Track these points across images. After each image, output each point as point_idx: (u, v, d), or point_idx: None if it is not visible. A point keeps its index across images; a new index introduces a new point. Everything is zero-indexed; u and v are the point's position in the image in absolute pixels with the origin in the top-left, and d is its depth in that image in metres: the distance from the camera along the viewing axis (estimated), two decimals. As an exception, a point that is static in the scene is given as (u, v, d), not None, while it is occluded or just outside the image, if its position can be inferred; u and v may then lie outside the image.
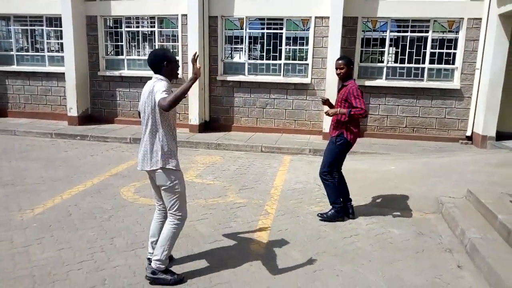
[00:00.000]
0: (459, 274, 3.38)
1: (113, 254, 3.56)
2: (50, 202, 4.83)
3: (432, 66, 8.69)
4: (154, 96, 2.87)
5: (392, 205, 4.99)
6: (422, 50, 8.70)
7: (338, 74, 4.41)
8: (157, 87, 2.88)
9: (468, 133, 8.54)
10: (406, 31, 8.76)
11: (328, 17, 8.53)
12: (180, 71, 9.30)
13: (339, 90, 4.53)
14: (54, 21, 10.11)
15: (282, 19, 9.04)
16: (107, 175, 6.07)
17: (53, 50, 10.51)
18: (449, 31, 8.63)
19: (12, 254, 3.49)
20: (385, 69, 8.88)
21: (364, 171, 6.41)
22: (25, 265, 3.32)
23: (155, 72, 3.04)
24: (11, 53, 10.59)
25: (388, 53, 8.89)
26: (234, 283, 3.14)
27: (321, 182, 4.60)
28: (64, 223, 4.20)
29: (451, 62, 8.64)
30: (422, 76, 8.77)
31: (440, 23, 8.57)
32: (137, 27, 9.89)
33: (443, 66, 8.67)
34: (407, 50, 8.78)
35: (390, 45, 8.86)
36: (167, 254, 3.07)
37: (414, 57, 8.80)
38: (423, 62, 8.72)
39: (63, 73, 9.86)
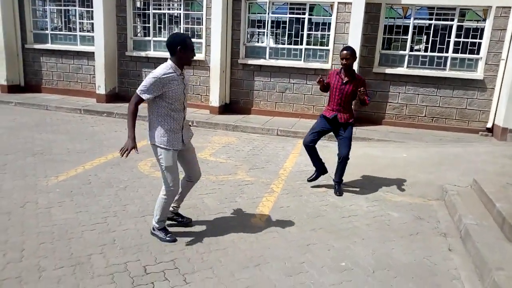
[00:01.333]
0: (448, 257, 3.50)
1: (125, 219, 3.90)
2: (73, 171, 5.23)
3: (455, 55, 8.54)
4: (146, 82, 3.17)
5: (397, 190, 5.10)
6: (446, 39, 8.55)
7: (344, 64, 4.58)
8: (147, 77, 3.18)
9: (489, 125, 8.39)
10: (431, 19, 8.62)
11: (351, 3, 8.50)
12: (203, 54, 9.58)
13: (345, 83, 4.67)
14: (86, 1, 10.52)
15: (305, 4, 9.07)
16: (128, 149, 6.43)
17: (85, 30, 10.98)
18: (475, 20, 8.43)
19: (36, 214, 3.89)
20: (406, 57, 8.79)
21: (375, 157, 6.51)
22: (47, 223, 3.71)
23: (170, 54, 3.27)
24: (46, 32, 11.14)
25: (412, 41, 8.78)
26: (230, 249, 3.41)
27: (343, 165, 4.87)
28: (84, 190, 4.58)
29: (475, 52, 8.46)
30: (445, 65, 8.63)
31: (475, 11, 8.33)
32: (164, 9, 10.16)
33: (467, 55, 8.50)
34: (431, 38, 8.65)
35: (414, 33, 8.74)
36: (159, 219, 3.47)
37: (437, 46, 8.67)
38: (447, 51, 8.57)
39: (93, 52, 10.29)
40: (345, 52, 4.55)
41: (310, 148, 4.93)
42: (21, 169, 5.19)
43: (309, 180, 5.07)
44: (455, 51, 8.53)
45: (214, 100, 9.45)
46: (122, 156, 3.22)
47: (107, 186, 4.74)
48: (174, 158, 3.36)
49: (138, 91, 3.17)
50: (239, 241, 3.57)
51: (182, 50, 3.21)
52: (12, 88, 11.10)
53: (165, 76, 3.18)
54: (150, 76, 3.16)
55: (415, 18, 8.64)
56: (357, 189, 5.08)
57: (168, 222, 3.67)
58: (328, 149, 6.65)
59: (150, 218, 3.92)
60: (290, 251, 3.44)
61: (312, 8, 9.09)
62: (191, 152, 3.62)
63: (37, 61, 11.24)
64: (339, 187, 4.92)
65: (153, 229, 3.54)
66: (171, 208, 3.71)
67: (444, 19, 8.56)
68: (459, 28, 8.44)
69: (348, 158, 4.83)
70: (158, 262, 3.16)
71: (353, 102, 4.97)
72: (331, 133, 5.05)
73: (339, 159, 4.86)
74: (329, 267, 3.22)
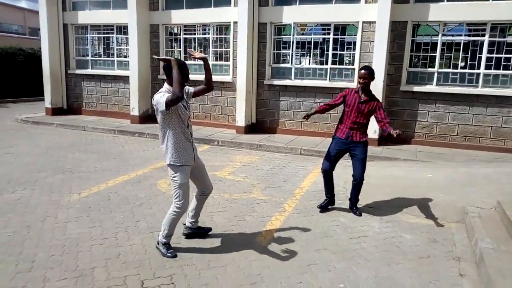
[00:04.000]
0: (457, 282, 3.31)
1: (134, 234, 4.03)
2: (96, 188, 5.50)
3: (488, 71, 8.20)
4: (157, 106, 3.35)
5: (414, 211, 4.90)
6: (478, 55, 8.24)
7: (361, 83, 4.57)
8: (156, 98, 3.36)
9: (527, 144, 7.91)
10: (460, 35, 8.38)
11: (375, 22, 8.45)
12: (230, 76, 9.82)
13: (362, 102, 4.61)
14: (123, 29, 11.21)
15: (329, 24, 9.13)
16: (151, 168, 6.68)
17: (121, 55, 11.65)
18: (508, 35, 8.08)
19: (53, 228, 4.12)
20: (436, 74, 8.55)
21: (397, 177, 6.32)
22: (61, 237, 3.92)
23: (166, 77, 3.47)
24: (87, 58, 11.95)
25: (441, 58, 8.54)
26: (229, 267, 3.43)
27: (358, 185, 4.79)
28: (102, 206, 4.80)
29: (510, 67, 8.07)
30: (477, 82, 8.30)
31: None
32: (194, 34, 10.59)
33: (501, 71, 8.13)
34: (461, 54, 8.38)
35: (442, 50, 8.50)
36: (167, 234, 3.60)
37: (468, 62, 8.37)
38: (479, 67, 8.25)
39: (128, 76, 10.89)
40: (363, 71, 4.56)
41: (328, 174, 4.85)
42: (49, 186, 5.53)
43: (319, 207, 4.92)
44: (488, 67, 8.19)
45: (240, 120, 9.61)
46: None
47: (124, 203, 4.94)
48: (187, 175, 3.52)
49: (164, 98, 3.29)
50: (239, 259, 3.58)
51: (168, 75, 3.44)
52: (56, 111, 11.92)
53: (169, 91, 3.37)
54: (158, 95, 3.36)
55: (443, 35, 8.43)
56: (372, 210, 4.94)
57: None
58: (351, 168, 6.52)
59: (158, 234, 4.04)
60: (289, 271, 3.40)
61: (337, 28, 9.12)
62: (201, 167, 3.78)
63: (78, 85, 12.03)
64: (356, 208, 4.84)
65: (158, 243, 3.67)
66: (189, 224, 3.91)
67: (474, 35, 8.28)
68: (491, 43, 8.12)
69: (363, 179, 4.75)
70: (156, 277, 3.23)
71: (368, 123, 4.82)
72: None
73: (354, 180, 4.78)
74: (326, 288, 3.15)
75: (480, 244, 3.74)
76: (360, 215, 4.75)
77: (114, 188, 5.54)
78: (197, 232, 3.98)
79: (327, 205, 4.94)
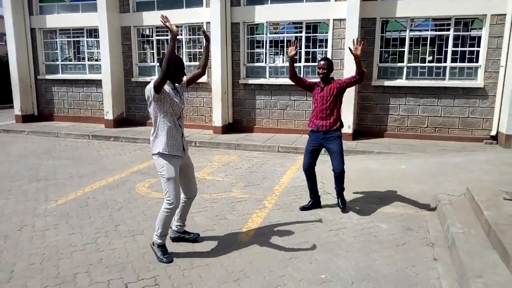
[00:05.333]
0: (432, 266, 3.47)
1: (114, 238, 4.01)
2: (73, 194, 5.42)
3: (454, 64, 8.53)
4: (149, 94, 3.35)
5: (390, 202, 5.07)
6: (444, 49, 8.56)
7: (320, 74, 4.57)
8: (147, 86, 3.37)
9: (493, 133, 8.28)
10: (427, 30, 8.69)
11: (345, 19, 8.64)
12: (205, 76, 9.82)
13: (322, 88, 4.58)
14: (94, 32, 11.01)
15: (301, 23, 9.27)
16: (129, 172, 6.62)
17: (93, 59, 11.45)
18: (471, 29, 8.44)
19: (31, 236, 4.05)
20: (405, 69, 8.83)
21: (372, 170, 6.50)
22: (40, 245, 3.85)
23: None
24: (57, 62, 11.68)
25: (409, 53, 8.82)
26: (212, 265, 3.47)
27: (340, 178, 4.70)
28: (80, 212, 4.74)
29: (474, 60, 8.43)
30: (444, 75, 8.63)
31: (480, 19, 8.28)
32: (167, 35, 10.53)
33: (466, 64, 8.49)
34: (428, 49, 8.68)
35: (410, 45, 8.78)
36: (161, 233, 3.52)
37: (435, 56, 8.69)
38: (445, 61, 8.57)
39: (101, 80, 10.71)
40: (322, 62, 4.54)
41: (310, 173, 4.83)
42: (24, 194, 5.41)
43: (302, 209, 4.84)
44: (454, 60, 8.53)
45: (217, 120, 9.63)
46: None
47: (102, 208, 4.89)
48: (175, 170, 3.44)
49: (151, 84, 3.32)
50: (222, 257, 3.62)
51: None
52: (26, 118, 11.61)
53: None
54: (151, 82, 3.36)
55: (411, 30, 8.71)
56: (350, 202, 5.07)
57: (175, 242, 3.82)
58: (328, 163, 6.66)
59: (139, 237, 4.04)
60: (272, 265, 3.47)
61: (308, 26, 9.27)
62: (189, 166, 3.73)
63: (49, 90, 11.75)
64: (342, 198, 4.79)
65: (153, 244, 3.60)
66: (175, 228, 3.85)
67: (440, 30, 8.60)
68: (456, 37, 8.46)
69: (343, 172, 4.67)
70: (140, 279, 3.24)
71: (338, 109, 4.68)
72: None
73: (335, 174, 4.71)
74: (308, 279, 3.23)
75: (451, 230, 3.92)
76: (344, 207, 4.72)
77: (92, 193, 5.48)
78: (184, 237, 3.90)
79: (311, 207, 4.87)
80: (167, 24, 3.25)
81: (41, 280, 3.22)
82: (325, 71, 4.53)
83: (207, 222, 4.46)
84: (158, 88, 3.25)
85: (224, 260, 3.57)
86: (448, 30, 8.46)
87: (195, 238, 3.93)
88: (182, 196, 3.75)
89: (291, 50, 4.51)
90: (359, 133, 9.06)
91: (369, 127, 9.12)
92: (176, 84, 3.56)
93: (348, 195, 5.33)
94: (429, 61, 8.81)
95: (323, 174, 6.33)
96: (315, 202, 4.92)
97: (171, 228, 3.86)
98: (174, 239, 3.88)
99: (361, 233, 4.16)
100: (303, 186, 5.77)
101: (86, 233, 4.15)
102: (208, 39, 3.75)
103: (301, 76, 9.21)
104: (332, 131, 4.65)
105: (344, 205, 4.78)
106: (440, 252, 3.72)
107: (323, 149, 4.83)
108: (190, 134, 9.58)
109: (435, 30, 8.66)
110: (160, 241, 3.55)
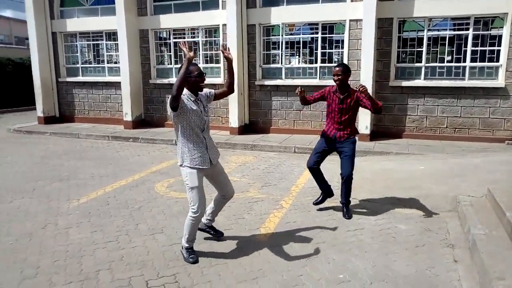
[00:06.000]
0: (452, 268, 3.43)
1: (135, 237, 4.10)
2: (94, 194, 5.55)
3: (474, 64, 8.39)
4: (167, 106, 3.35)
5: (408, 203, 5.03)
6: (463, 48, 8.43)
7: (336, 80, 4.47)
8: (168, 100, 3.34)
9: (515, 133, 8.11)
10: (445, 30, 8.57)
11: (361, 20, 8.59)
12: (221, 78, 9.89)
13: (341, 100, 4.53)
14: (113, 35, 11.23)
15: (317, 24, 9.26)
16: (148, 172, 6.74)
17: (112, 62, 11.67)
18: (492, 28, 8.29)
19: (54, 234, 4.17)
20: (423, 69, 8.72)
21: (391, 171, 6.44)
22: (63, 242, 3.97)
23: None
24: (77, 65, 11.95)
25: (427, 53, 8.72)
26: (231, 263, 3.51)
27: (347, 184, 4.65)
28: (101, 211, 4.85)
29: (494, 59, 8.27)
30: (464, 75, 8.49)
31: (502, 18, 8.10)
32: (184, 37, 10.66)
33: (486, 64, 8.33)
34: (446, 48, 8.56)
35: (429, 44, 8.68)
36: (188, 238, 3.55)
37: (454, 56, 8.56)
38: (464, 61, 8.44)
39: (120, 82, 10.91)
40: (337, 68, 4.44)
41: (314, 170, 4.79)
42: (47, 194, 5.57)
43: (315, 203, 4.90)
44: (473, 60, 8.38)
45: (234, 121, 9.70)
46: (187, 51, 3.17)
47: (123, 207, 4.99)
48: (199, 179, 3.41)
49: (169, 107, 3.28)
50: (240, 256, 3.66)
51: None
52: (48, 119, 11.90)
53: (182, 94, 3.33)
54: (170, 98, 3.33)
55: (429, 30, 8.61)
56: (368, 203, 5.06)
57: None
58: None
59: (159, 235, 4.12)
60: (290, 265, 3.49)
61: (324, 27, 9.25)
62: (221, 172, 3.71)
63: (70, 93, 12.03)
64: (347, 209, 4.69)
65: (182, 247, 3.64)
66: (205, 221, 3.91)
67: (459, 29, 8.47)
68: (476, 37, 8.32)
69: (351, 178, 4.60)
70: (160, 276, 3.31)
71: (355, 118, 4.78)
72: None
73: (342, 179, 4.62)
74: (326, 279, 3.24)
75: (472, 231, 3.87)
76: (350, 217, 4.60)
77: (112, 193, 5.59)
78: (209, 231, 3.98)
79: (324, 199, 4.87)
80: (184, 48, 3.21)
81: (65, 276, 3.31)
82: (340, 77, 4.42)
83: (225, 221, 4.51)
84: (172, 106, 3.24)
85: (242, 259, 3.61)
86: (467, 29, 8.32)
87: (219, 237, 3.99)
88: (219, 194, 3.79)
89: (300, 92, 4.50)
90: (377, 134, 8.99)
91: (387, 128, 9.04)
92: (201, 95, 3.52)
93: (366, 196, 5.33)
94: (448, 61, 8.69)
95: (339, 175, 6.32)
96: (326, 192, 4.88)
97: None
98: (199, 229, 3.87)
99: (379, 234, 4.14)
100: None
101: (108, 231, 4.25)
102: (228, 60, 3.64)
103: (317, 76, 9.30)
104: (349, 141, 4.63)
105: (350, 217, 4.63)
106: (460, 253, 3.68)
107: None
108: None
109: (454, 30, 8.54)
110: (187, 245, 3.59)
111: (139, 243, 3.94)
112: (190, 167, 3.41)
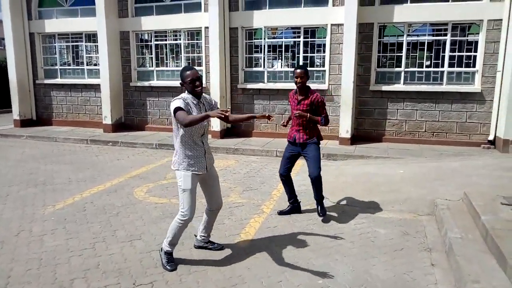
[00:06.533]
0: (429, 271, 3.47)
1: (112, 243, 4.01)
2: (71, 199, 5.41)
3: (451, 69, 8.57)
4: (171, 110, 3.27)
5: (388, 207, 5.08)
6: (441, 54, 8.61)
7: (297, 83, 4.49)
8: (172, 105, 3.27)
9: (491, 137, 8.30)
10: (424, 35, 8.74)
11: (343, 24, 8.68)
12: (204, 81, 9.83)
13: (299, 101, 4.57)
14: (93, 37, 11.04)
15: (299, 28, 9.31)
16: (127, 176, 6.62)
17: (92, 64, 11.46)
18: (468, 34, 8.49)
19: (28, 242, 4.04)
20: (403, 74, 8.86)
21: (370, 175, 6.50)
22: (37, 250, 3.85)
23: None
24: (56, 67, 11.70)
25: (407, 57, 8.86)
26: (210, 270, 3.46)
27: (316, 184, 4.64)
28: (77, 217, 4.73)
29: (471, 65, 8.47)
30: (442, 80, 8.66)
31: (478, 24, 8.30)
32: (165, 40, 10.56)
33: (463, 69, 8.52)
34: (425, 53, 8.73)
35: (408, 49, 8.83)
36: (170, 242, 3.48)
37: (432, 61, 8.73)
38: (442, 66, 8.61)
39: (99, 85, 10.72)
40: (298, 71, 4.47)
41: (286, 178, 4.82)
42: (22, 199, 5.41)
43: (280, 213, 4.84)
44: (451, 65, 8.57)
45: (215, 125, 9.64)
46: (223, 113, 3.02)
47: (100, 213, 4.89)
48: (193, 183, 3.37)
49: (178, 111, 3.18)
50: (220, 262, 3.62)
51: (183, 84, 3.38)
52: (25, 122, 11.61)
53: (185, 98, 3.32)
54: (174, 103, 3.26)
55: (408, 35, 8.76)
56: (348, 207, 5.09)
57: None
58: (326, 168, 6.66)
59: (137, 242, 4.04)
60: (270, 270, 3.47)
61: (306, 31, 9.31)
62: (214, 178, 3.63)
63: (47, 95, 11.76)
64: (321, 206, 4.68)
65: (161, 250, 3.58)
66: (200, 238, 3.85)
67: (437, 35, 8.65)
68: (453, 42, 8.50)
69: (319, 177, 4.58)
70: (137, 284, 3.23)
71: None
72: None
73: (311, 180, 4.63)
74: (305, 285, 3.23)
75: (449, 234, 3.93)
76: (324, 215, 4.64)
77: (90, 198, 5.47)
78: (207, 246, 3.87)
79: (291, 212, 4.84)
80: (210, 113, 3.06)
81: (38, 285, 3.21)
82: (301, 80, 4.47)
83: (205, 227, 4.45)
84: (186, 126, 3.17)
85: (222, 266, 3.57)
86: (446, 35, 8.50)
87: (220, 249, 3.86)
88: (207, 207, 3.71)
89: (285, 124, 4.78)
90: (357, 138, 9.08)
91: (367, 132, 9.15)
92: (205, 99, 3.48)
93: (346, 200, 5.36)
94: (426, 66, 8.85)
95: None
96: (293, 207, 4.89)
97: (195, 236, 3.86)
98: (198, 247, 3.85)
99: (359, 238, 4.17)
100: (301, 191, 5.77)
101: (84, 238, 4.14)
102: (267, 117, 3.59)
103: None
104: (310, 143, 4.63)
105: (324, 214, 4.67)
106: (437, 257, 3.73)
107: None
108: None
109: (433, 35, 8.71)
110: (168, 248, 3.52)
111: (116, 250, 3.85)
112: (185, 171, 3.36)
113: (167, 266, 3.48)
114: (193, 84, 3.32)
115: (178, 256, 3.71)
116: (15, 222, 4.56)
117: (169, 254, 3.54)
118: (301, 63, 9.40)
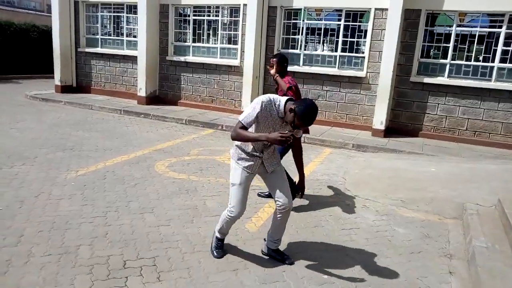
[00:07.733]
0: (445, 279, 3.23)
1: (124, 214, 4.03)
2: (93, 166, 5.52)
3: (503, 65, 7.91)
4: (249, 106, 2.97)
5: (412, 205, 4.80)
6: (493, 47, 7.95)
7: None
8: (252, 103, 2.94)
9: (539, 142, 7.66)
10: (476, 26, 8.09)
11: (387, 9, 8.19)
12: (238, 60, 9.70)
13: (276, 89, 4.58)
14: (133, 8, 11.11)
15: (341, 10, 8.90)
16: (152, 149, 6.67)
17: (131, 35, 11.58)
18: (526, 27, 7.77)
19: (45, 204, 4.15)
20: (448, 66, 8.29)
21: (399, 170, 6.19)
22: (51, 213, 3.93)
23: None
24: (97, 36, 11.93)
25: (454, 49, 8.27)
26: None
27: None
28: (96, 185, 4.81)
29: (526, 61, 7.78)
30: (490, 75, 8.03)
31: None
32: (204, 15, 10.44)
33: (516, 65, 7.84)
34: (475, 46, 8.10)
35: (456, 41, 8.22)
36: (220, 230, 3.34)
37: (482, 55, 8.10)
38: (493, 61, 7.97)
39: (137, 57, 10.83)
40: (271, 59, 4.55)
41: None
42: (48, 162, 5.57)
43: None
44: (503, 60, 7.90)
45: (246, 104, 9.51)
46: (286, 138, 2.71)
47: (119, 183, 4.94)
48: (242, 178, 3.10)
49: (242, 117, 2.92)
50: (225, 245, 3.54)
51: (290, 109, 2.81)
52: (65, 88, 11.99)
53: (273, 101, 2.91)
54: (251, 106, 2.94)
55: (458, 26, 8.14)
56: (369, 201, 4.86)
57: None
58: (354, 159, 6.43)
59: (148, 215, 4.04)
60: (274, 259, 3.35)
61: (348, 14, 8.88)
62: (277, 176, 3.22)
63: (88, 63, 12.05)
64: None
65: (214, 232, 3.44)
66: (266, 242, 3.44)
67: (491, 26, 7.98)
68: (508, 36, 7.81)
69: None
70: (139, 258, 3.22)
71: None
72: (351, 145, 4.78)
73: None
74: (309, 278, 3.10)
75: (474, 242, 3.64)
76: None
77: (112, 167, 5.55)
78: (275, 256, 3.38)
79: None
80: (270, 136, 2.72)
81: (45, 247, 3.27)
82: (272, 68, 4.47)
83: (218, 207, 4.40)
84: (232, 139, 2.95)
85: (227, 248, 3.49)
86: (501, 27, 7.82)
87: (290, 264, 3.30)
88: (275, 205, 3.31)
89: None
90: (391, 130, 8.67)
91: (403, 125, 8.71)
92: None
93: (369, 193, 5.12)
94: (475, 60, 8.22)
95: (346, 169, 6.13)
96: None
97: (264, 240, 3.49)
98: (264, 254, 3.43)
99: (375, 236, 3.95)
100: (322, 180, 5.61)
101: (98, 206, 4.20)
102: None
103: (336, 65, 8.98)
104: None
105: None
106: (458, 265, 3.47)
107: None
108: (218, 117, 9.54)
109: (486, 27, 8.04)
110: (218, 235, 3.38)
111: (126, 221, 3.87)
112: (235, 163, 3.14)
113: (214, 252, 3.36)
114: (299, 123, 2.82)
115: (185, 232, 3.67)
116: (37, 184, 4.70)
117: (219, 240, 3.40)
118: (339, 47, 9.02)
